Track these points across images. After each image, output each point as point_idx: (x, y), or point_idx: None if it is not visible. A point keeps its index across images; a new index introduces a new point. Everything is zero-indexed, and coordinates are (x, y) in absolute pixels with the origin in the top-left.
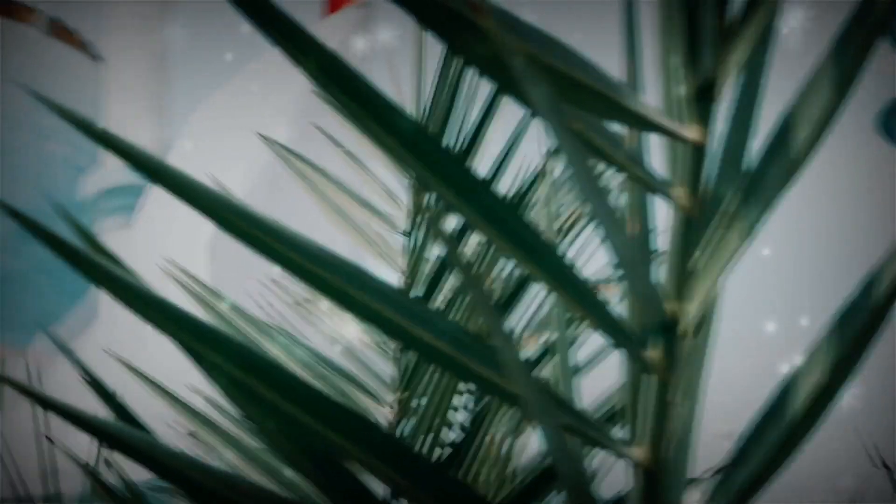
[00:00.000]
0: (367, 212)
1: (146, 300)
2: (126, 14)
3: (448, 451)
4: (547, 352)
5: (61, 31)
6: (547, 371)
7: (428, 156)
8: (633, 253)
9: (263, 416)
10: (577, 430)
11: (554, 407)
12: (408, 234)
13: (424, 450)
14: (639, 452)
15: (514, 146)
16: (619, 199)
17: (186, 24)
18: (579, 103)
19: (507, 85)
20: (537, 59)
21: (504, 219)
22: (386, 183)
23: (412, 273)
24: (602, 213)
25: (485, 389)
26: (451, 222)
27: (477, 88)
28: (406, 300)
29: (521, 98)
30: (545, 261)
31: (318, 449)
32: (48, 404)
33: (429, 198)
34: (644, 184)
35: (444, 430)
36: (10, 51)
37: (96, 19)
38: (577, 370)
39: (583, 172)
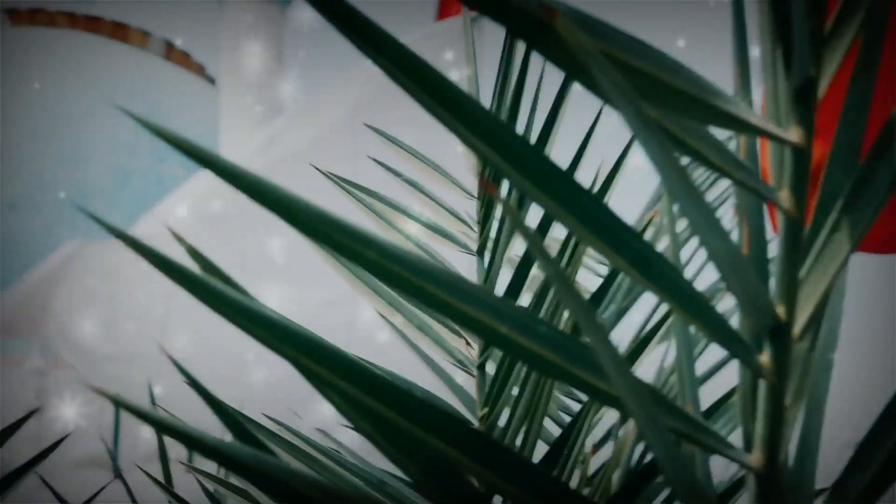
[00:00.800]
0: (435, 234)
1: (253, 316)
2: (240, 37)
3: (546, 451)
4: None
5: (176, 55)
6: (671, 381)
7: (504, 145)
8: (735, 256)
9: (370, 425)
10: (689, 435)
11: (662, 411)
12: (479, 253)
13: (519, 451)
14: (754, 458)
15: (587, 143)
16: (716, 199)
17: (301, 46)
18: (670, 106)
19: (587, 84)
20: (621, 62)
21: (591, 211)
22: (449, 205)
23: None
24: (696, 213)
25: (583, 391)
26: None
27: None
28: (495, 300)
29: (600, 95)
30: (649, 265)
31: (425, 456)
32: (166, 427)
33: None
34: (747, 187)
35: (541, 430)
36: (127, 76)
37: (209, 42)
38: (700, 381)
39: (671, 172)
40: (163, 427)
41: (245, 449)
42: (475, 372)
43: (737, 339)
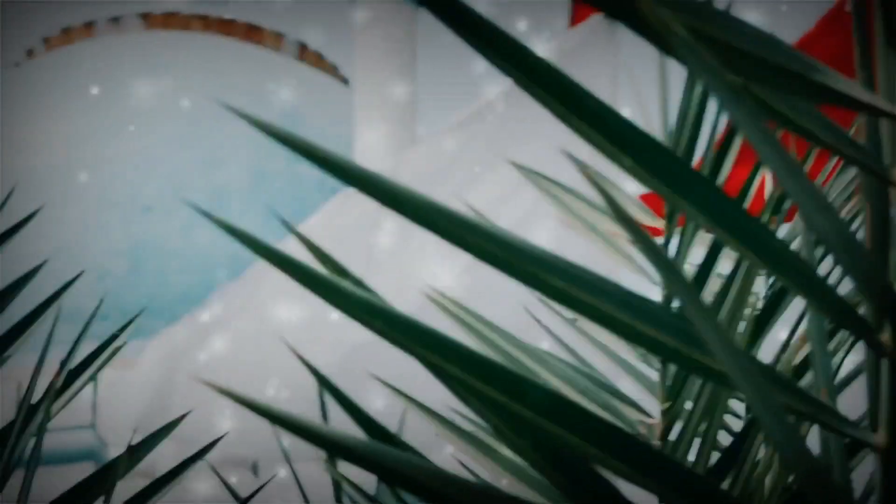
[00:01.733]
0: (619, 227)
1: (387, 318)
2: (374, 37)
3: (718, 458)
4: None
5: (309, 56)
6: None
7: (673, 176)
8: (846, 234)
9: (514, 432)
10: (809, 415)
11: (778, 391)
12: (664, 246)
13: (693, 457)
14: (879, 437)
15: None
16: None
17: (434, 43)
18: (774, 84)
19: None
20: (715, 39)
21: (748, 229)
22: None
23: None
24: (801, 192)
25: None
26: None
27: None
28: (668, 316)
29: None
30: (778, 255)
31: (574, 461)
32: (280, 420)
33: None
34: (861, 166)
35: (716, 436)
36: (263, 76)
37: (343, 42)
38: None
39: (771, 151)
40: (278, 420)
41: (394, 452)
42: (658, 366)
43: (858, 319)
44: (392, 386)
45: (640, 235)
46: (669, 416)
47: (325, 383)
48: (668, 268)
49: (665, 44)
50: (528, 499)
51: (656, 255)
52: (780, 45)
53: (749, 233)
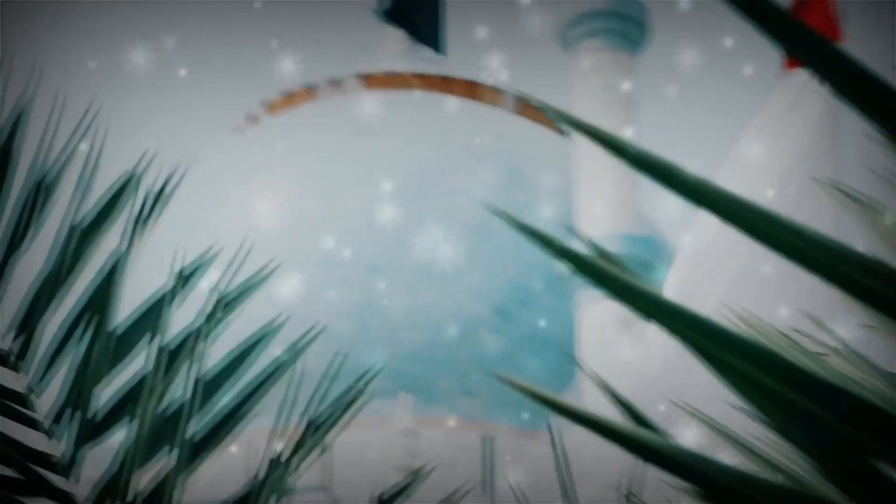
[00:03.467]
0: None
1: (658, 304)
2: (593, 86)
3: None
4: None
5: (529, 109)
6: None
7: None
8: None
9: (782, 417)
10: None
11: None
12: None
13: None
14: None
15: None
16: None
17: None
18: None
19: None
20: None
21: None
22: None
23: None
24: None
25: None
26: None
27: None
28: None
29: None
30: None
31: (841, 447)
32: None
33: None
34: None
35: None
36: (479, 134)
37: (561, 93)
38: None
39: None
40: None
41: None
42: None
43: None
44: (699, 414)
45: None
46: None
47: (627, 408)
48: None
49: None
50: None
51: None
52: None
53: None
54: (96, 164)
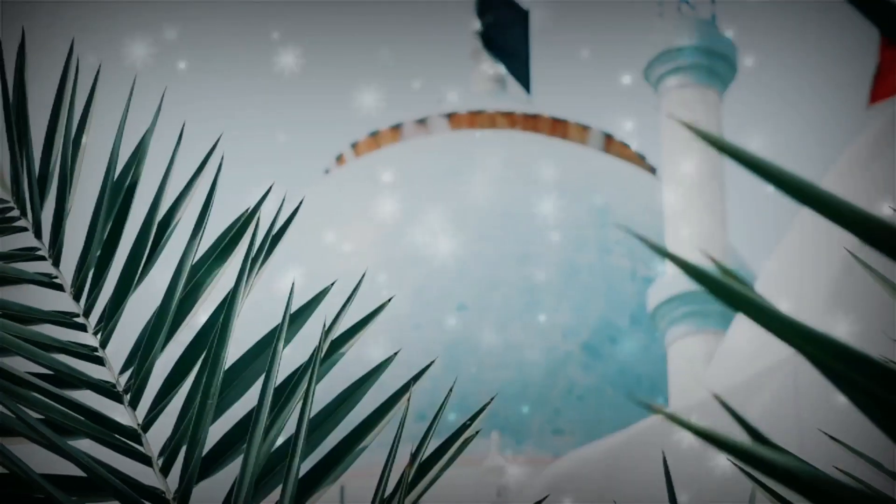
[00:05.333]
0: None
1: (783, 322)
2: (678, 124)
3: None
4: None
5: (615, 146)
6: None
7: None
8: None
9: None
10: None
11: None
12: None
13: None
14: None
15: None
16: None
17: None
18: None
19: None
20: None
21: None
22: None
23: None
24: None
25: None
26: None
27: None
28: None
29: None
30: None
31: None
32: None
33: None
34: None
35: None
36: (566, 171)
37: (650, 130)
38: None
39: None
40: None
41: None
42: None
43: None
44: None
45: None
46: None
47: (734, 414)
48: None
49: None
50: None
51: None
52: None
53: None
54: (210, 198)
